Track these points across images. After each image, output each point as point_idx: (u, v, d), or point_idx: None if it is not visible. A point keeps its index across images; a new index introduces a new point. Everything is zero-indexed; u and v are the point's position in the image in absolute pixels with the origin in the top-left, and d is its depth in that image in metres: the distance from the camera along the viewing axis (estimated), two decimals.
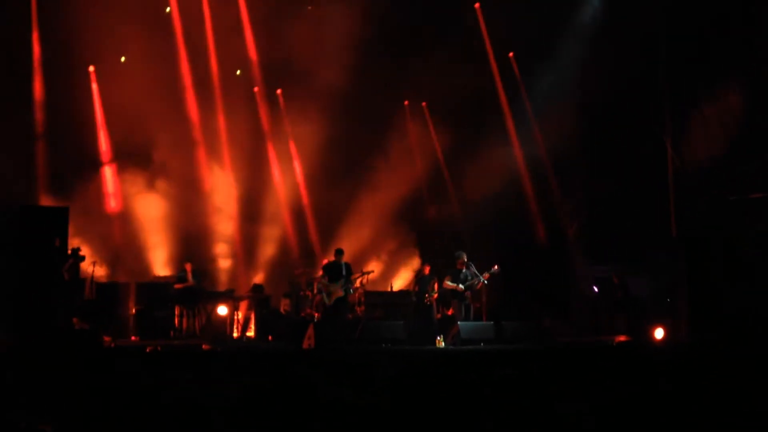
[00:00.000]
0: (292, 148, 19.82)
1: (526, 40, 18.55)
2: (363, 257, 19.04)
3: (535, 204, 19.02)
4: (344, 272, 14.95)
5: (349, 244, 18.76)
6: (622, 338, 14.24)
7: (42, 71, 17.02)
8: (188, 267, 15.91)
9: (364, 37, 17.97)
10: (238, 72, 19.30)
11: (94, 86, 17.99)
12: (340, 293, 14.87)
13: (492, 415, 6.29)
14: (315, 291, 15.94)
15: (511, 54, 19.36)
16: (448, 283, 14.92)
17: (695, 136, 16.74)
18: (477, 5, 18.95)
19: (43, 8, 16.89)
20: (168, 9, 18.10)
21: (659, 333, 13.68)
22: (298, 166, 19.86)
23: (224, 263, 18.62)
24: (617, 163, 17.20)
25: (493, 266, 14.83)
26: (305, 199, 19.95)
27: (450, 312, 15.26)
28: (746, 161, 15.61)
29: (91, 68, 17.88)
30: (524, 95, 19.21)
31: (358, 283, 16.03)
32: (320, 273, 15.74)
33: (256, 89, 19.42)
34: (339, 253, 15.30)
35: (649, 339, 13.69)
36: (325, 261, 16.11)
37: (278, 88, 19.78)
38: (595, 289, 16.83)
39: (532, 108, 18.90)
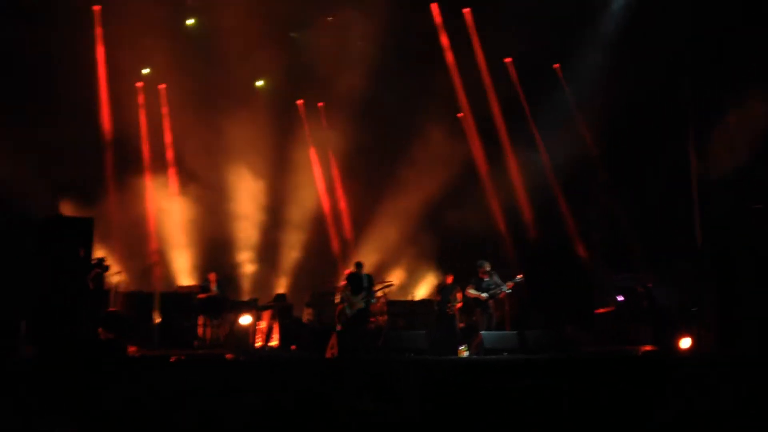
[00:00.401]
0: (313, 156, 19.96)
1: (548, 48, 18.53)
2: (386, 265, 19.09)
3: (558, 213, 18.88)
4: (365, 284, 15.15)
5: (372, 252, 18.87)
6: (648, 348, 14.09)
7: (65, 82, 17.20)
8: (212, 277, 15.96)
9: (386, 45, 18.16)
10: (261, 82, 19.46)
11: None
12: (362, 305, 15.03)
13: (514, 424, 6.25)
14: (337, 301, 16.00)
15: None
16: (471, 292, 14.87)
17: (719, 144, 16.58)
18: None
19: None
20: (190, 21, 18.28)
21: (685, 342, 13.51)
22: (320, 175, 19.97)
23: (248, 271, 18.73)
24: (641, 170, 17.06)
25: (517, 275, 14.80)
26: (326, 208, 20.05)
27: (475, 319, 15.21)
28: None
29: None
30: (546, 104, 19.17)
31: (380, 293, 16.07)
32: (343, 283, 15.82)
33: (282, 100, 19.57)
34: (359, 266, 15.56)
35: (675, 348, 13.53)
36: (348, 271, 16.17)
37: (300, 98, 19.92)
38: (619, 298, 16.67)
39: (556, 117, 18.81)
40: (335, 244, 19.91)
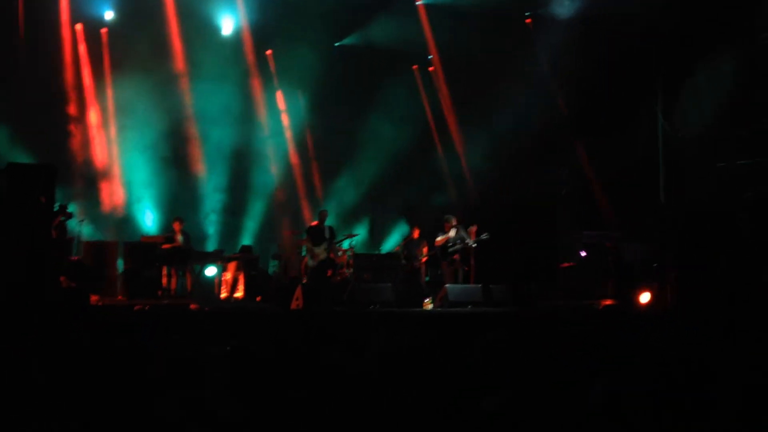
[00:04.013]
0: (281, 103, 19.75)
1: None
2: (353, 218, 19.11)
3: (524, 170, 18.90)
4: (327, 235, 15.21)
5: (339, 204, 18.87)
6: (608, 302, 14.33)
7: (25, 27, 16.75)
8: (176, 226, 15.82)
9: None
10: (229, 31, 19.10)
11: (82, 46, 17.77)
12: (323, 256, 15.09)
13: (478, 377, 6.33)
14: (301, 253, 16.06)
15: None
16: (439, 239, 15.08)
17: (686, 103, 16.69)
18: None
19: None
20: None
21: (645, 297, 13.76)
22: (287, 122, 19.78)
23: (213, 223, 18.60)
24: (609, 130, 17.09)
25: (483, 232, 14.92)
26: (294, 159, 19.91)
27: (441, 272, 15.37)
28: (736, 129, 15.61)
29: (78, 27, 17.66)
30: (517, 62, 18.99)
31: (346, 246, 16.12)
32: (305, 240, 15.89)
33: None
34: (323, 215, 15.56)
35: (634, 303, 13.77)
36: (315, 223, 16.16)
37: (269, 48, 19.60)
38: (583, 254, 16.86)
39: (524, 75, 18.66)
40: (302, 195, 19.82)
